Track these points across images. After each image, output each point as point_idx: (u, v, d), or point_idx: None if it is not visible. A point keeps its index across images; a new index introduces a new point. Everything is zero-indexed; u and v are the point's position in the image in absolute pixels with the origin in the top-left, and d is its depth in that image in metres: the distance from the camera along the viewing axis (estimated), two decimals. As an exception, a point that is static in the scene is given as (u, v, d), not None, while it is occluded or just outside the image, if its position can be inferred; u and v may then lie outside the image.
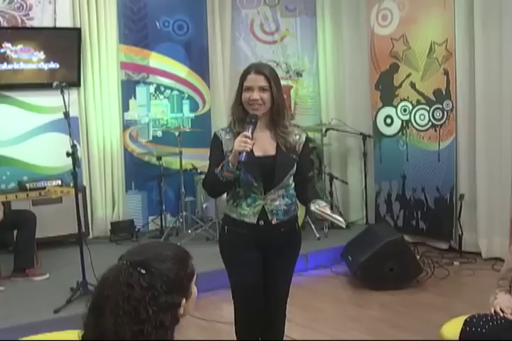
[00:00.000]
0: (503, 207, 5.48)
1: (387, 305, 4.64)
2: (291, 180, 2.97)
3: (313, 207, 2.87)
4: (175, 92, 6.71)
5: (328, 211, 2.86)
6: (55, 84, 4.42)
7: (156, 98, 6.62)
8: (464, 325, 2.57)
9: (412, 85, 6.01)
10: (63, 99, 4.31)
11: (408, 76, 6.03)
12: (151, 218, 6.62)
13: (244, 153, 2.70)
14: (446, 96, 5.74)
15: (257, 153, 2.88)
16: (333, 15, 6.77)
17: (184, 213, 6.15)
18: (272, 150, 2.93)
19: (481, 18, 5.41)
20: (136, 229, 6.27)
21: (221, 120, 6.80)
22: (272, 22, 7.03)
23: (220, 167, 2.80)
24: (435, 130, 5.88)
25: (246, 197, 2.91)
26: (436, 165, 5.88)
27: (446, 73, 5.72)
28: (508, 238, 5.45)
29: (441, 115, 5.81)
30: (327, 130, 6.59)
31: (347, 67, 6.70)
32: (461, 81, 5.66)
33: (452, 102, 5.71)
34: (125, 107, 6.40)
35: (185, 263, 1.66)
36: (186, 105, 6.80)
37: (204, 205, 6.26)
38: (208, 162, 3.02)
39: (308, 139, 3.08)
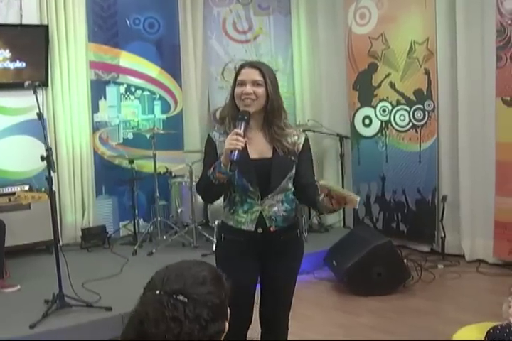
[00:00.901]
0: (487, 208, 5.40)
1: (376, 312, 4.50)
2: (290, 184, 2.78)
3: (320, 183, 2.60)
4: (146, 93, 6.47)
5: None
6: (27, 83, 4.13)
7: (126, 99, 6.36)
8: (486, 336, 2.43)
9: (392, 85, 5.90)
10: (36, 99, 4.04)
11: (387, 76, 5.92)
12: (122, 223, 6.35)
13: (236, 152, 2.51)
14: (428, 97, 5.64)
15: (253, 155, 2.70)
16: (308, 14, 6.62)
17: (159, 218, 5.91)
18: (268, 153, 2.74)
19: (462, 16, 5.33)
20: (108, 235, 6.00)
21: (193, 121, 6.63)
22: (244, 20, 6.84)
23: (212, 168, 2.61)
24: (416, 131, 5.78)
25: (242, 203, 2.73)
26: (418, 166, 5.78)
27: (427, 73, 5.62)
28: (492, 239, 5.38)
29: (422, 115, 5.71)
30: (303, 131, 6.41)
31: (323, 67, 6.56)
32: (443, 81, 5.57)
33: (434, 102, 5.61)
34: (95, 108, 6.13)
35: (222, 282, 1.47)
36: (158, 106, 6.56)
37: (179, 210, 6.04)
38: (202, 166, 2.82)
39: (307, 140, 2.87)
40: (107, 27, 6.15)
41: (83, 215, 6.04)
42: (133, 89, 6.38)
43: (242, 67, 2.74)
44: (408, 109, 5.81)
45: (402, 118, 5.87)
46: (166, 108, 6.61)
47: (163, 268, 1.47)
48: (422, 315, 4.38)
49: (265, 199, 2.71)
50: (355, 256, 4.79)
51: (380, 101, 6.02)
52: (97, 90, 6.13)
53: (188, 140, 6.64)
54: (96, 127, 6.18)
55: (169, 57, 6.55)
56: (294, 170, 2.77)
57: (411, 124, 5.81)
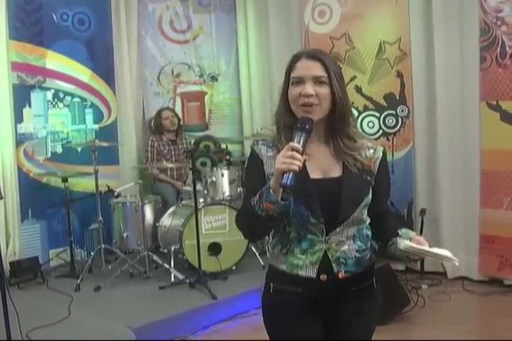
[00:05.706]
0: (470, 221, 5.00)
1: (385, 346, 3.92)
2: (365, 214, 2.04)
3: (403, 244, 1.90)
4: (76, 99, 5.61)
5: (427, 246, 1.94)
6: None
7: (54, 106, 5.47)
8: None
9: (358, 89, 5.39)
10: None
11: (352, 79, 5.40)
12: (53, 252, 5.44)
13: (290, 174, 1.77)
14: (401, 101, 5.19)
15: (314, 174, 1.97)
16: (256, 11, 6.03)
17: (103, 245, 5.06)
18: (335, 171, 2.02)
19: (440, 14, 4.93)
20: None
21: (129, 132, 5.85)
22: (183, 18, 6.16)
23: (257, 196, 1.86)
24: (387, 138, 5.30)
25: (300, 239, 1.99)
26: (390, 177, 5.28)
27: (399, 75, 5.16)
28: (476, 255, 4.99)
29: (394, 122, 5.24)
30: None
31: (275, 70, 5.94)
32: (418, 84, 5.14)
33: (408, 107, 5.16)
34: (18, 118, 5.20)
35: None
36: (90, 115, 5.72)
37: (124, 234, 5.23)
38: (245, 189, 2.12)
39: (385, 154, 2.16)
40: (30, 22, 5.26)
41: (7, 244, 5.09)
42: (61, 96, 5.52)
43: (297, 58, 1.99)
44: (378, 115, 5.32)
45: (370, 125, 5.38)
46: (98, 117, 5.78)
47: None
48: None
49: (332, 235, 1.98)
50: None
51: (345, 106, 5.49)
52: (21, 96, 5.23)
53: (124, 153, 5.84)
54: (20, 140, 5.26)
55: (101, 59, 5.73)
56: (370, 196, 2.05)
57: (381, 132, 5.33)
